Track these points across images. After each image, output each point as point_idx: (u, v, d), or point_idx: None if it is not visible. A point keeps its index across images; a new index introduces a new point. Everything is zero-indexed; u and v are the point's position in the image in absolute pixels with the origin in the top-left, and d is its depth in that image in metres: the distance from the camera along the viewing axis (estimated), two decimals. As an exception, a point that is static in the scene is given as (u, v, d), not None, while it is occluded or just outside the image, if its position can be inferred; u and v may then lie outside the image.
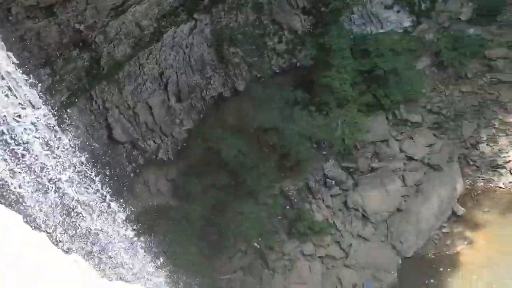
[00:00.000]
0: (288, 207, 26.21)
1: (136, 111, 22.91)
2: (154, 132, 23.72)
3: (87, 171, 11.68)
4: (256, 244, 24.61)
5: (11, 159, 8.87)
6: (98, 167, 13.55)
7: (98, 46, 19.99)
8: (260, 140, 24.47)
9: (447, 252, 28.54)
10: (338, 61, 25.43)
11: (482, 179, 32.12)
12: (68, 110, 19.01)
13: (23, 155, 9.18)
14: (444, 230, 29.50)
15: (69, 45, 18.74)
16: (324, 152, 27.86)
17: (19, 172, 9.11)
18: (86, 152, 12.48)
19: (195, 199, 22.97)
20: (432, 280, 27.17)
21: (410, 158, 29.75)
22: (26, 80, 9.78)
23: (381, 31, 29.33)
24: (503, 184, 31.62)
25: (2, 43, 8.81)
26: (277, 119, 23.94)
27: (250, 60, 25.63)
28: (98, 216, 12.44)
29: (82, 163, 11.34)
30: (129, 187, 21.94)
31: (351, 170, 28.90)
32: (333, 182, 27.76)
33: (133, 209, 17.27)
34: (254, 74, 26.01)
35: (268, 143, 24.47)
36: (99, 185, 12.12)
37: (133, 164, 22.91)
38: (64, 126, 13.38)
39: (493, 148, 30.88)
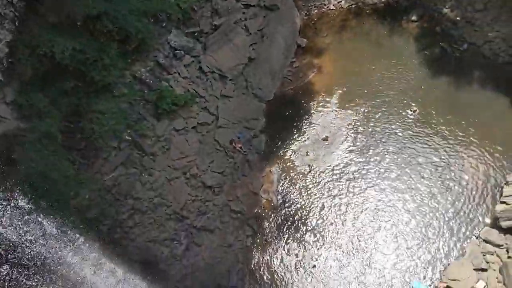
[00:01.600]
0: (146, 91, 25.54)
1: None
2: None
3: None
4: (127, 137, 24.17)
5: None
6: None
7: None
8: (93, 30, 22.42)
9: (302, 83, 31.09)
10: None
11: (315, 7, 34.13)
12: None
13: None
14: (295, 65, 31.68)
15: None
16: (164, 24, 26.72)
17: None
18: None
19: (46, 113, 21.22)
20: (295, 112, 29.92)
21: (247, 5, 30.04)
22: None
23: None
24: (333, 6, 34.03)
25: None
26: (103, 2, 21.83)
27: None
28: None
29: None
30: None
31: (196, 34, 28.45)
32: (182, 52, 27.24)
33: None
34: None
35: (102, 32, 22.58)
36: None
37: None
38: None
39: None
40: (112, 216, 22.89)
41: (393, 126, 28.33)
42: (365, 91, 29.90)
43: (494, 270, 23.02)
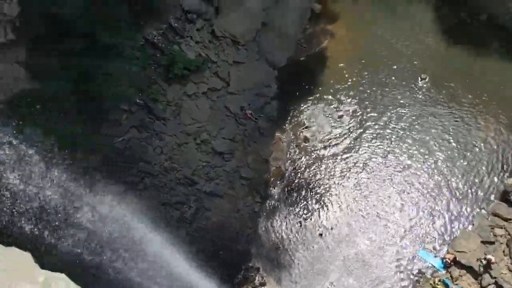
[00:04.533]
0: (158, 54, 25.29)
1: None
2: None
3: None
4: (138, 100, 24.10)
5: None
6: None
7: None
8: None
9: (316, 50, 30.58)
10: None
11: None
12: None
13: None
14: (308, 32, 31.04)
15: None
16: (176, -15, 26.18)
17: None
18: None
19: (56, 74, 21.23)
20: (308, 78, 29.59)
21: (262, -31, 29.17)
22: None
23: None
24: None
25: None
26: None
27: None
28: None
29: None
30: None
31: (209, -3, 27.85)
32: (195, 15, 26.75)
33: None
34: None
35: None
36: None
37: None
38: None
39: None
40: (122, 179, 23.09)
41: (407, 94, 28.21)
42: (380, 58, 29.44)
43: (502, 243, 23.14)
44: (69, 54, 21.61)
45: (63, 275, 10.09)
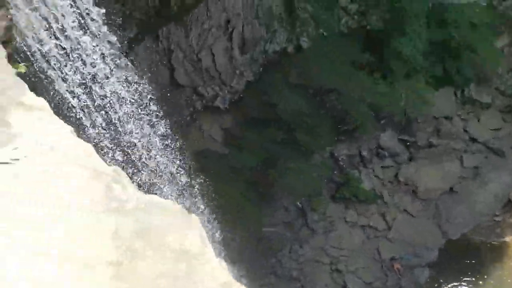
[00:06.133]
0: (336, 171, 26.06)
1: (199, 57, 23.16)
2: (214, 79, 23.95)
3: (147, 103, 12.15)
4: (299, 204, 24.85)
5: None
6: (159, 102, 14.01)
7: (169, -15, 20.10)
8: (319, 100, 24.18)
9: (494, 241, 27.61)
10: (413, 28, 24.13)
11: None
12: (134, 47, 19.49)
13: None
14: (496, 218, 28.36)
15: (142, -17, 18.97)
16: (383, 121, 27.10)
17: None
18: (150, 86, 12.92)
19: (248, 148, 23.39)
20: (473, 265, 26.58)
21: (473, 140, 28.36)
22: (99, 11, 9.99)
23: (463, 1, 27.37)
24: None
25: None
26: (339, 80, 23.41)
27: (318, 17, 24.88)
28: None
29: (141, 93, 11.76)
30: (183, 130, 22.57)
31: (408, 143, 28.04)
32: (387, 153, 27.12)
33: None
34: (321, 32, 25.29)
35: (326, 104, 24.15)
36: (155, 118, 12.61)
37: (191, 108, 23.43)
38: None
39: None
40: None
41: None
42: None
43: None
44: (265, 138, 23.71)
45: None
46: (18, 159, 4.00)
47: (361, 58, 24.28)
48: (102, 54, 10.00)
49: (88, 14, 8.82)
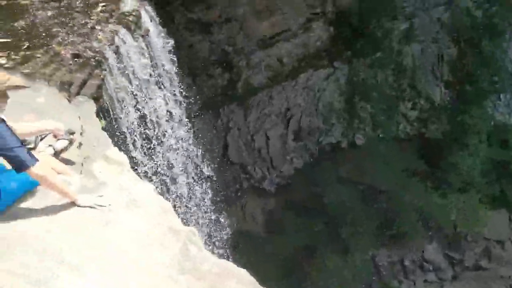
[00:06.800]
0: (374, 278, 24.71)
1: (254, 138, 23.69)
2: (265, 162, 24.22)
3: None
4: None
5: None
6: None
7: (239, 70, 21.24)
8: (368, 199, 23.69)
9: None
10: (474, 143, 23.88)
11: None
12: (196, 119, 20.26)
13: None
14: None
15: (215, 63, 20.20)
16: (430, 233, 25.98)
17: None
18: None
19: (289, 234, 22.92)
20: None
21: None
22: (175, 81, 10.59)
23: (526, 124, 27.00)
24: None
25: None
26: (392, 183, 23.05)
27: (377, 118, 25.17)
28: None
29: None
30: (227, 206, 22.52)
31: (454, 261, 26.51)
32: (431, 267, 25.62)
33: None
34: (378, 133, 25.45)
35: (374, 205, 23.60)
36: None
37: (237, 186, 23.53)
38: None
39: None
40: None
41: None
42: None
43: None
44: (307, 227, 23.20)
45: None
46: (104, 206, 4.13)
47: (416, 165, 23.98)
48: (178, 138, 10.56)
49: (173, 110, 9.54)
